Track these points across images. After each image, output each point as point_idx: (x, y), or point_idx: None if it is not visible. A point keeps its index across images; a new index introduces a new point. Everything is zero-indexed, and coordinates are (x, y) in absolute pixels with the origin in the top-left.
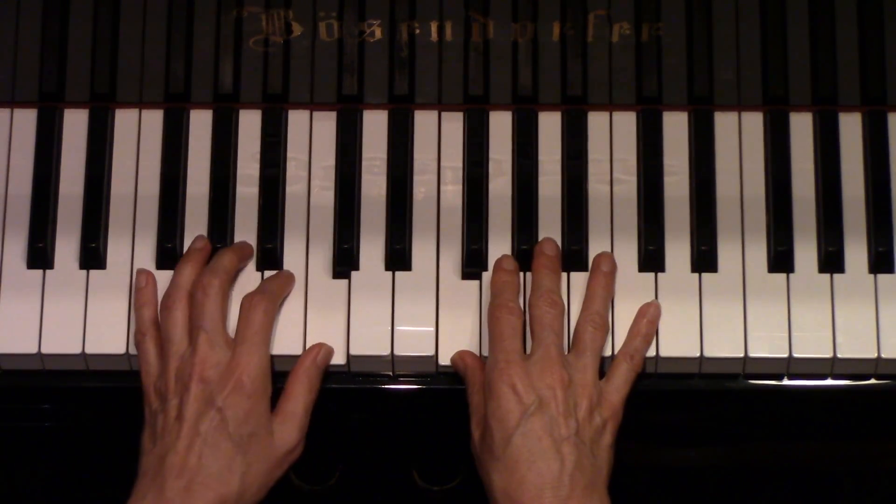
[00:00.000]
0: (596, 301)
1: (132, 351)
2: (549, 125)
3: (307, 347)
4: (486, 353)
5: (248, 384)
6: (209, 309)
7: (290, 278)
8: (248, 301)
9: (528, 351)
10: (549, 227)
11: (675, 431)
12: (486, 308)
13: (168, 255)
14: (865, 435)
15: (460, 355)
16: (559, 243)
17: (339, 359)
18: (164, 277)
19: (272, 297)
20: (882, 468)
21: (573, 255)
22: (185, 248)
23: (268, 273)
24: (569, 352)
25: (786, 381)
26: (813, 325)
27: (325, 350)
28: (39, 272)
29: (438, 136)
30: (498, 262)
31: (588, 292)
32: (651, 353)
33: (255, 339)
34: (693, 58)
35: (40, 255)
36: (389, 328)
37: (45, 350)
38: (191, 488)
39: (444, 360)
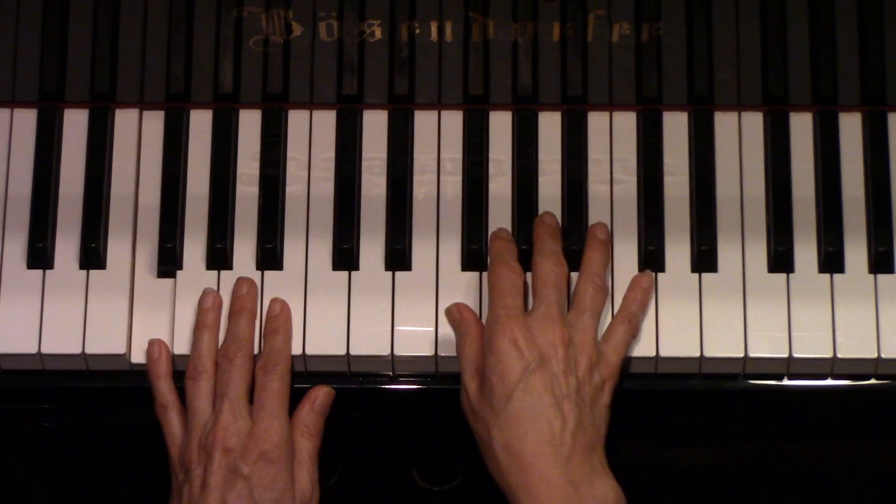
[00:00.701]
0: (594, 264)
1: (132, 351)
2: (549, 125)
3: (307, 346)
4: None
5: (272, 451)
6: (234, 378)
7: (287, 318)
8: (262, 370)
9: (530, 309)
10: None
11: (675, 431)
12: (486, 308)
13: (168, 255)
14: (865, 435)
15: (457, 306)
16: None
17: (339, 351)
18: (166, 286)
19: (285, 360)
20: (882, 468)
21: (573, 256)
22: (185, 248)
23: (268, 273)
24: (568, 312)
25: (786, 381)
26: (813, 325)
27: (324, 394)
28: (39, 272)
29: (438, 136)
30: (494, 232)
31: (585, 257)
32: (651, 352)
33: (275, 404)
34: (693, 58)
35: (40, 255)
36: (389, 328)
37: (45, 350)
38: None
39: (443, 358)
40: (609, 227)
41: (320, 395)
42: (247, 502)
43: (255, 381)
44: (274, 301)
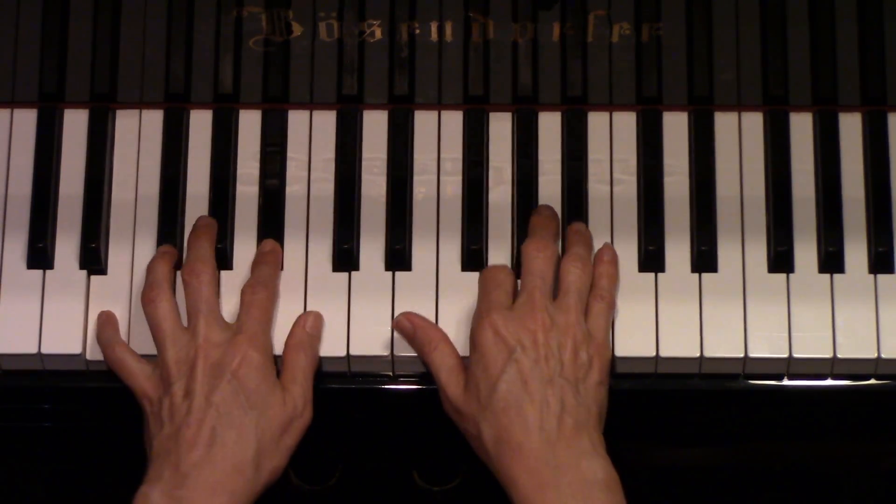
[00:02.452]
0: (578, 245)
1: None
2: (549, 125)
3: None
4: None
5: (256, 357)
6: (204, 292)
7: (275, 259)
8: (250, 289)
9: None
10: None
11: (675, 431)
12: None
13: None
14: (865, 435)
15: (406, 316)
16: (559, 244)
17: (339, 351)
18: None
19: (271, 285)
20: (882, 468)
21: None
22: (184, 247)
23: None
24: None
25: (786, 381)
26: (813, 325)
27: (314, 316)
28: (39, 272)
29: (438, 137)
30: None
31: (568, 242)
32: (651, 352)
33: (260, 318)
34: (693, 58)
35: (40, 256)
36: (389, 328)
37: (45, 350)
38: (207, 458)
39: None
40: (610, 228)
41: (310, 318)
42: (233, 403)
43: (241, 302)
44: (266, 241)
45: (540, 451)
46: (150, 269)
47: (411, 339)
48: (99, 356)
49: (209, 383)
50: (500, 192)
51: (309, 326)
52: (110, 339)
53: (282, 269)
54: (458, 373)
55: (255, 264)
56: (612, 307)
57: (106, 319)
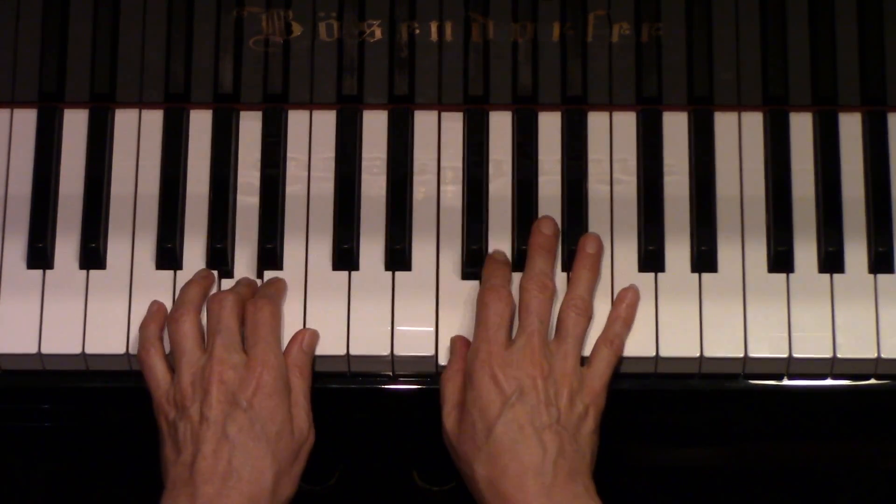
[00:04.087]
0: (580, 285)
1: (132, 351)
2: (549, 125)
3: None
4: None
5: (270, 383)
6: (224, 316)
7: (284, 284)
8: (252, 305)
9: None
10: None
11: (675, 431)
12: None
13: (168, 255)
14: (865, 435)
15: (457, 338)
16: (559, 244)
17: (339, 351)
18: (165, 277)
19: (275, 299)
20: (882, 468)
21: (573, 256)
22: (184, 248)
23: (268, 273)
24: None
25: (786, 381)
26: (813, 325)
27: (310, 334)
28: (39, 272)
29: (438, 136)
30: (490, 254)
31: (572, 275)
32: (651, 352)
33: (269, 339)
34: (693, 58)
35: (40, 255)
36: (389, 328)
37: (45, 350)
38: (222, 492)
39: (445, 359)
40: (610, 228)
41: (307, 336)
42: (248, 435)
43: (246, 321)
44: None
45: (536, 495)
46: (184, 290)
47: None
48: (96, 351)
49: (225, 411)
50: (499, 193)
51: (305, 345)
52: (149, 338)
53: (281, 268)
54: (460, 409)
55: (263, 286)
56: (618, 355)
57: (154, 314)
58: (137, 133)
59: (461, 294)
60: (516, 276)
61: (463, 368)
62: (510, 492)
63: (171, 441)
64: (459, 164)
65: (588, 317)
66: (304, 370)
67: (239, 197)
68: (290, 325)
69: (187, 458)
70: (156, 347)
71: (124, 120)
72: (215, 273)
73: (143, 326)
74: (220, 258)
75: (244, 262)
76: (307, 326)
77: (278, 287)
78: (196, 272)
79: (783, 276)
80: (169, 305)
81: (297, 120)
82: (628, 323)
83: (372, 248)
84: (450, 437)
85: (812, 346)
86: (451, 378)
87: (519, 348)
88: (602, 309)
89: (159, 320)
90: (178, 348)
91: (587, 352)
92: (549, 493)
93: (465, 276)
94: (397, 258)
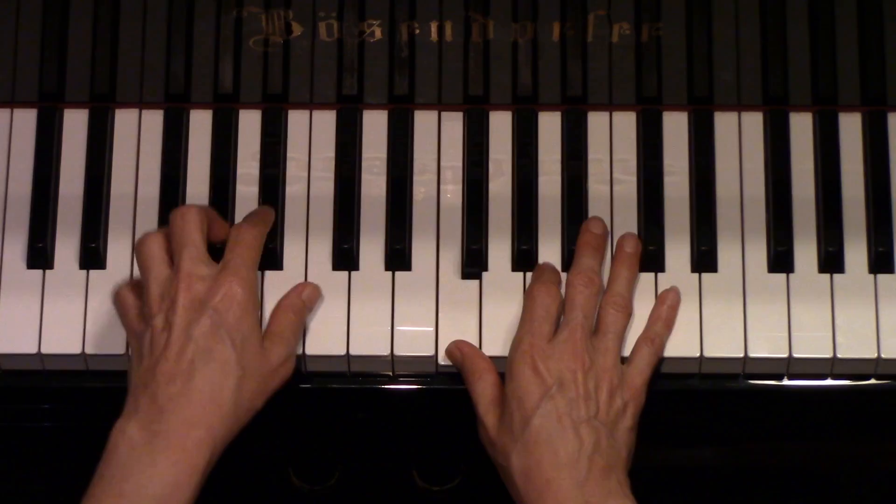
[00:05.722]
0: (618, 282)
1: (132, 351)
2: (549, 125)
3: (307, 346)
4: (487, 352)
5: (239, 293)
6: (189, 229)
7: (271, 215)
8: (237, 227)
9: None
10: (550, 227)
11: (675, 431)
12: (486, 309)
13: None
14: (865, 435)
15: (456, 345)
16: (559, 244)
17: (339, 351)
18: None
19: (264, 224)
20: (882, 468)
21: (572, 255)
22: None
23: (268, 273)
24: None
25: (786, 381)
26: (813, 325)
27: (311, 287)
28: (39, 272)
29: (438, 136)
30: (545, 263)
31: (611, 274)
32: None
33: (245, 256)
34: (693, 58)
35: (40, 255)
36: (389, 328)
37: (45, 350)
38: (185, 391)
39: (445, 359)
40: (610, 228)
41: (308, 288)
42: (213, 337)
43: (228, 239)
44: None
45: (569, 488)
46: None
47: (460, 365)
48: (96, 351)
49: (189, 317)
50: (499, 193)
51: (305, 295)
52: (123, 286)
53: (281, 268)
54: (497, 405)
55: (249, 214)
56: (659, 354)
57: (142, 242)
58: (137, 133)
59: (461, 294)
60: (516, 277)
61: (489, 367)
62: (543, 482)
63: (136, 353)
64: (459, 164)
65: (628, 314)
66: (300, 313)
67: (239, 197)
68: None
69: (150, 362)
70: (127, 284)
71: (124, 120)
72: (154, 230)
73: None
74: (220, 258)
75: None
76: (307, 326)
77: (264, 216)
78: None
79: (783, 276)
80: None
81: (297, 120)
82: (669, 324)
83: (372, 248)
84: (489, 431)
85: (812, 346)
86: (479, 379)
87: (561, 341)
88: (647, 352)
89: (130, 284)
90: (144, 268)
91: (626, 352)
92: (582, 487)
93: (466, 275)
94: (397, 258)
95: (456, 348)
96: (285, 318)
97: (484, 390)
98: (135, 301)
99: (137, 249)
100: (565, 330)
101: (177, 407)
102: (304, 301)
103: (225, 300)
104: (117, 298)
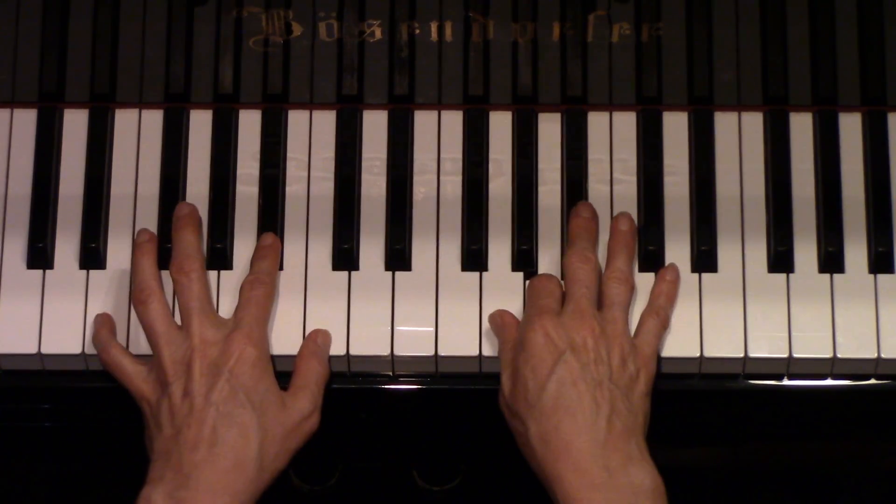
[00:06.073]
0: (618, 259)
1: (133, 351)
2: (550, 125)
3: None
4: (486, 352)
5: (254, 354)
6: (195, 289)
7: (277, 261)
8: (248, 284)
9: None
10: (549, 227)
11: (675, 431)
12: (485, 308)
13: (168, 255)
14: (865, 435)
15: (499, 313)
16: (559, 244)
17: (339, 350)
18: (164, 277)
19: (271, 280)
20: (882, 468)
21: None
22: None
23: None
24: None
25: (786, 381)
26: (813, 325)
27: (324, 333)
28: (39, 272)
29: (438, 137)
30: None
31: (609, 253)
32: None
33: (258, 316)
34: (693, 58)
35: (40, 255)
36: (389, 328)
37: (45, 350)
38: (209, 458)
39: (445, 357)
40: (603, 236)
41: (321, 334)
42: (233, 401)
43: (239, 296)
44: (266, 235)
45: (590, 450)
46: (136, 267)
47: (497, 334)
48: (96, 351)
49: (207, 382)
50: (499, 193)
51: (321, 341)
52: (105, 342)
53: (281, 268)
54: (515, 371)
55: (255, 259)
56: (665, 326)
57: (102, 322)
58: (137, 133)
59: (461, 293)
60: (516, 277)
61: (516, 337)
62: (562, 446)
63: (155, 421)
64: (459, 163)
65: (630, 286)
66: (322, 359)
67: (239, 197)
68: (290, 325)
69: (172, 430)
70: (115, 347)
71: (124, 120)
72: (155, 237)
73: (95, 335)
74: (220, 258)
75: (244, 261)
76: (307, 326)
77: (271, 264)
78: (138, 234)
79: (783, 276)
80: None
81: (297, 120)
82: (671, 298)
83: (372, 248)
84: (506, 396)
85: (812, 346)
86: (508, 348)
87: (569, 311)
88: (653, 324)
89: (108, 324)
90: (151, 332)
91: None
92: (601, 451)
93: (465, 271)
94: (397, 258)
95: (498, 315)
96: (309, 367)
97: (510, 359)
98: (133, 366)
99: (139, 311)
100: (571, 302)
101: (201, 474)
102: (320, 346)
103: (240, 363)
104: (112, 367)
